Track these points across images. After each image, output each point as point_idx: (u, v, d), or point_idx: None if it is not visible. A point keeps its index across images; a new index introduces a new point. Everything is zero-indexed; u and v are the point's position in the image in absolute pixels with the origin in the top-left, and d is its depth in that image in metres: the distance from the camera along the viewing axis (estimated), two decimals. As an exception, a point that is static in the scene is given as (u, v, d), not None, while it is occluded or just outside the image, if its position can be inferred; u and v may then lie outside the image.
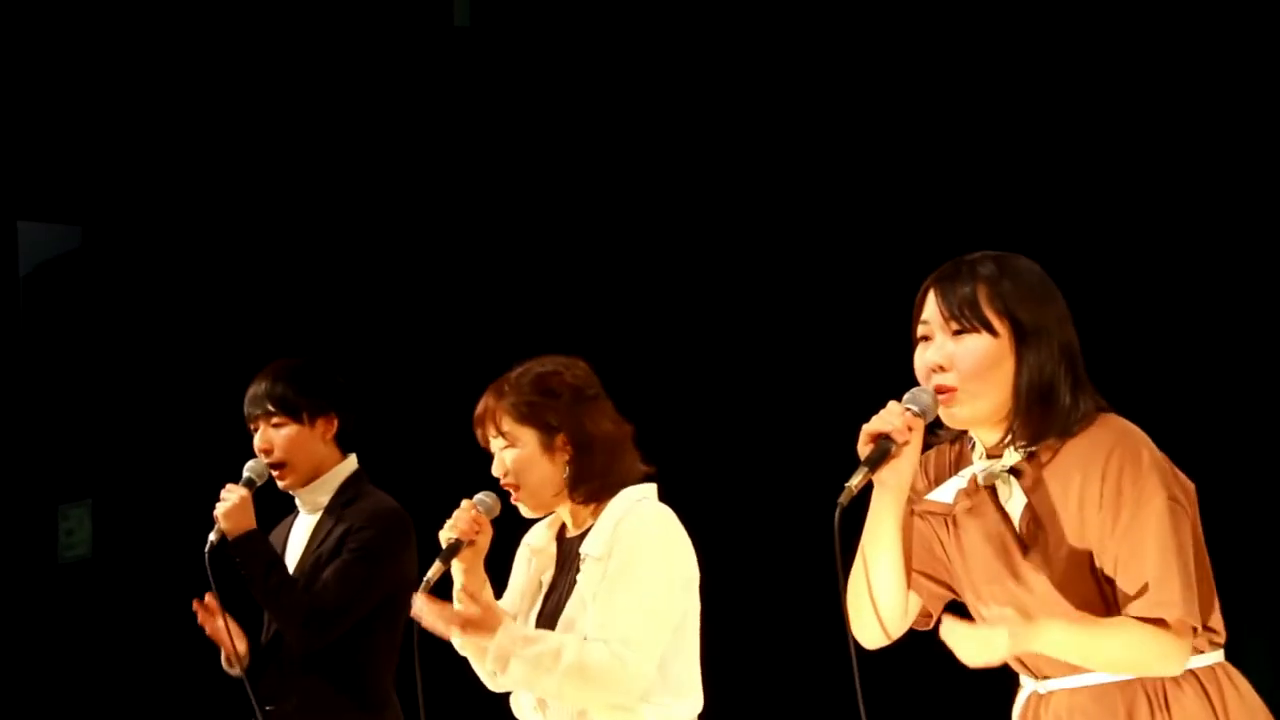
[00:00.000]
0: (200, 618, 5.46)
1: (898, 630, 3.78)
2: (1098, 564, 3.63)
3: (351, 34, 8.49)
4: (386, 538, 5.47)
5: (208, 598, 5.48)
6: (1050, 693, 3.70)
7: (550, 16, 8.86)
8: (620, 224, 8.69)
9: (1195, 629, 3.59)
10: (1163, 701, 3.61)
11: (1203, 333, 8.17)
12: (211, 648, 5.63)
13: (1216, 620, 3.64)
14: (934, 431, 3.79)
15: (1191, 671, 3.58)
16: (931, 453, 3.86)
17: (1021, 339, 3.66)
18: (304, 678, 5.49)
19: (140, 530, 7.85)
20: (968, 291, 3.67)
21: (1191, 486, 3.64)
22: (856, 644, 3.70)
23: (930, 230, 8.05)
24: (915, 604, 3.82)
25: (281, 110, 8.37)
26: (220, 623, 5.45)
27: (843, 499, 3.56)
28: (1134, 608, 3.58)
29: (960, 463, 3.79)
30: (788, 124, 8.78)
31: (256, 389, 5.62)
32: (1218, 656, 3.61)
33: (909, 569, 3.82)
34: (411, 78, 8.60)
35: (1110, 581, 3.63)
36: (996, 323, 3.64)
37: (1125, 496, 3.61)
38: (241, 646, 5.51)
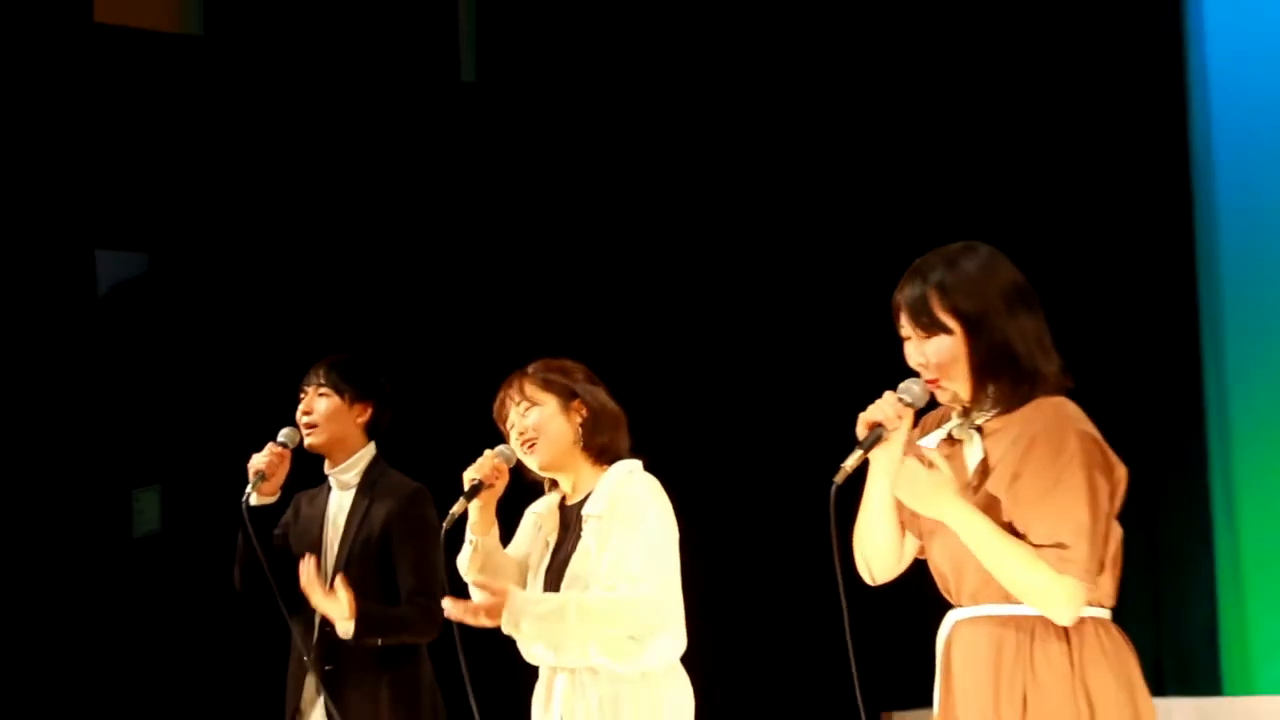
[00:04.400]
0: (303, 579, 5.39)
1: (900, 566, 3.89)
2: (1020, 520, 3.62)
3: (370, 90, 8.47)
4: (427, 514, 5.48)
5: (307, 561, 5.44)
6: (959, 621, 3.73)
7: (552, 72, 8.85)
8: (615, 246, 8.66)
9: (1087, 592, 3.59)
10: (1030, 643, 3.63)
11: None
12: (262, 608, 5.58)
13: (1107, 580, 3.64)
14: (933, 404, 3.84)
15: (1062, 627, 3.63)
16: (935, 411, 3.91)
17: (971, 330, 3.69)
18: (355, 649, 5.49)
19: (199, 509, 7.73)
20: (921, 299, 3.70)
21: (1124, 471, 3.67)
22: (846, 598, 3.72)
23: (912, 228, 8.02)
24: (911, 544, 3.87)
25: (313, 157, 8.30)
26: (318, 586, 5.40)
27: (838, 478, 3.63)
28: (1045, 557, 3.59)
29: (944, 419, 3.86)
30: (773, 143, 8.86)
31: (315, 366, 5.69)
32: (1098, 613, 3.62)
33: (902, 522, 3.85)
34: (422, 129, 8.57)
35: (1024, 535, 3.62)
36: (949, 321, 3.68)
37: (1053, 469, 3.61)
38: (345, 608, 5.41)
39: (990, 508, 3.69)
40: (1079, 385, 7.13)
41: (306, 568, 5.39)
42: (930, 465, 3.70)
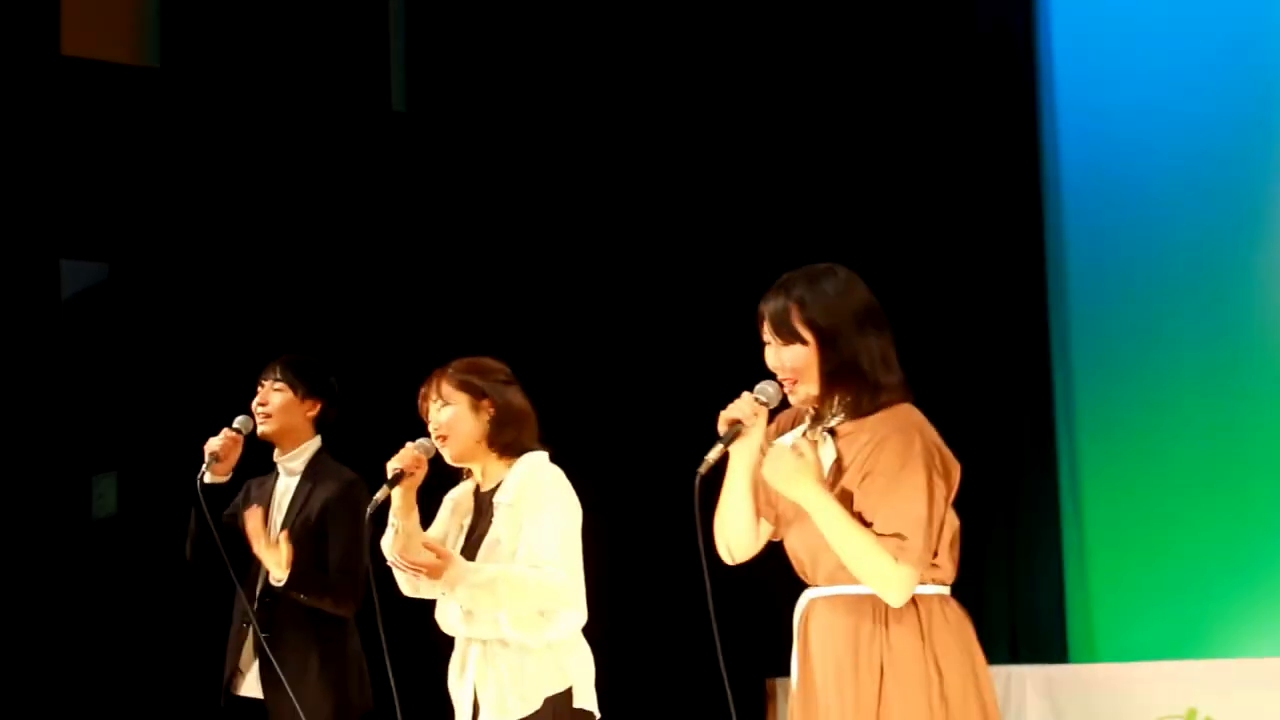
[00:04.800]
0: (248, 527, 5.48)
1: (755, 548, 4.00)
2: (867, 509, 3.77)
3: (308, 116, 8.55)
4: (360, 501, 5.45)
5: (254, 513, 5.54)
6: (815, 599, 3.88)
7: (480, 102, 8.95)
8: (528, 265, 8.82)
9: (918, 578, 3.76)
10: (884, 618, 3.78)
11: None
12: (209, 579, 5.67)
13: (947, 562, 3.83)
14: (786, 404, 3.95)
15: (913, 598, 3.77)
16: (788, 410, 4.02)
17: (823, 343, 3.82)
18: (290, 611, 5.51)
19: (154, 494, 7.79)
20: (782, 312, 3.84)
21: (958, 466, 3.84)
22: (710, 575, 3.82)
23: (775, 245, 8.35)
24: (765, 528, 3.99)
25: (256, 180, 8.38)
26: (262, 535, 5.49)
27: (702, 469, 3.78)
28: (886, 546, 3.74)
29: (797, 421, 3.98)
30: (660, 173, 9.05)
31: (273, 363, 5.78)
32: (940, 590, 3.82)
33: (758, 508, 3.96)
34: (353, 157, 8.65)
35: (870, 525, 3.78)
36: (805, 334, 3.82)
37: (896, 469, 3.77)
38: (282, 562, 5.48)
39: (844, 502, 3.82)
40: (946, 392, 7.21)
41: (254, 517, 5.50)
42: (799, 453, 3.80)
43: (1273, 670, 7.32)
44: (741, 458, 3.90)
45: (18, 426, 7.76)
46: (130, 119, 8.21)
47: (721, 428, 3.83)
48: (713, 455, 3.80)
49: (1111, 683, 7.77)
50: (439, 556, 4.67)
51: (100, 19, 8.40)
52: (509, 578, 4.76)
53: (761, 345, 3.92)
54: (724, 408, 3.87)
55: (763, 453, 3.95)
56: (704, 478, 3.78)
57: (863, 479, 3.79)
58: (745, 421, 3.82)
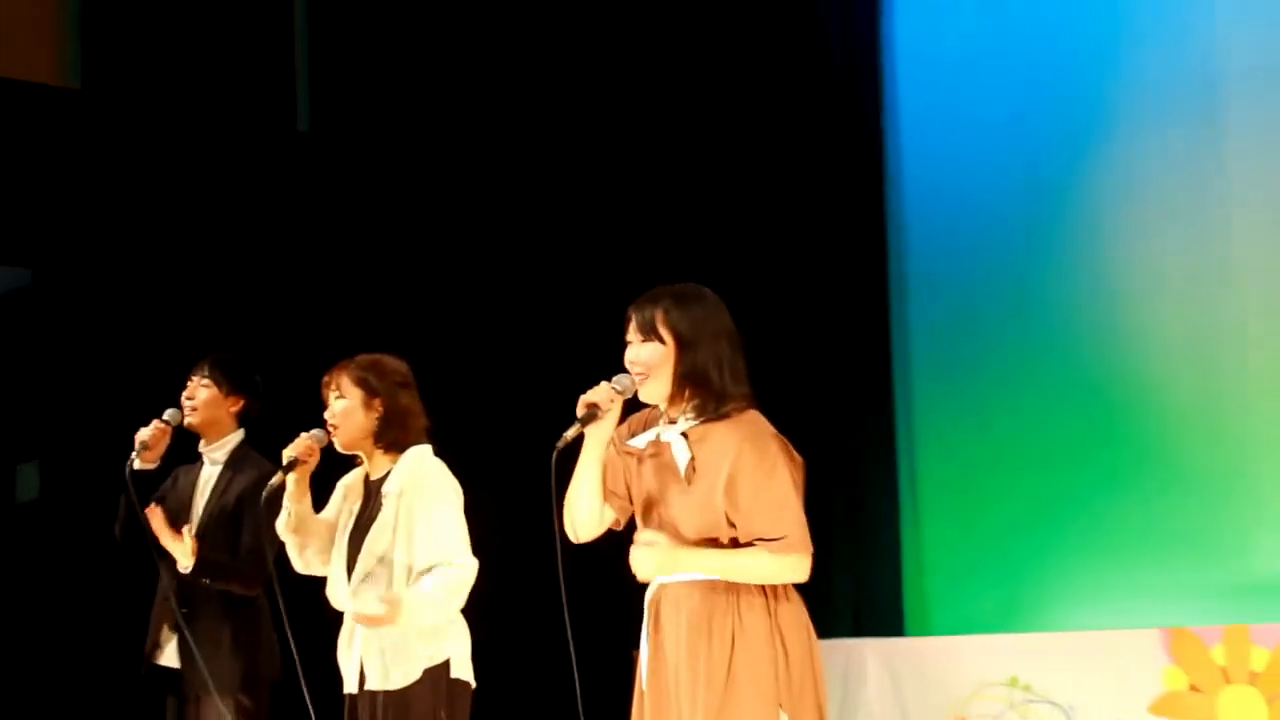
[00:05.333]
0: (152, 522, 5.56)
1: (598, 530, 4.15)
2: (734, 510, 3.91)
3: (212, 138, 8.55)
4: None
5: (155, 511, 5.60)
6: (665, 585, 4.02)
7: (382, 122, 9.04)
8: (420, 274, 8.89)
9: (809, 554, 3.93)
10: (736, 601, 3.93)
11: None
12: (134, 557, 5.77)
13: None
14: (642, 404, 4.09)
15: (760, 585, 3.93)
16: (638, 414, 4.15)
17: (680, 346, 3.97)
18: (205, 589, 5.62)
19: (75, 481, 7.88)
20: (650, 315, 4.00)
21: (802, 461, 4.01)
22: (564, 542, 4.07)
23: (634, 262, 8.20)
24: (609, 514, 4.14)
25: (170, 194, 8.38)
26: (167, 530, 5.56)
27: (559, 444, 3.96)
28: (770, 544, 3.90)
29: (650, 423, 4.12)
30: (541, 183, 9.08)
31: (202, 361, 5.88)
32: None
33: (606, 491, 4.10)
34: (258, 177, 8.63)
35: (732, 522, 3.93)
36: (666, 335, 3.97)
37: (759, 469, 3.92)
38: (188, 552, 5.55)
39: (708, 495, 3.95)
40: (796, 393, 7.41)
41: (155, 515, 5.57)
42: (647, 544, 3.94)
43: (1083, 642, 7.42)
44: (595, 439, 4.02)
45: None
46: (54, 136, 8.19)
47: (580, 410, 3.97)
48: (570, 433, 3.96)
49: (943, 653, 7.85)
50: (390, 603, 4.79)
51: (25, 42, 8.32)
52: (442, 594, 4.88)
53: (622, 345, 4.07)
54: (582, 392, 4.01)
55: (620, 438, 4.11)
56: (560, 454, 3.94)
57: (728, 481, 3.92)
58: (601, 405, 3.95)
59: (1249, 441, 7.35)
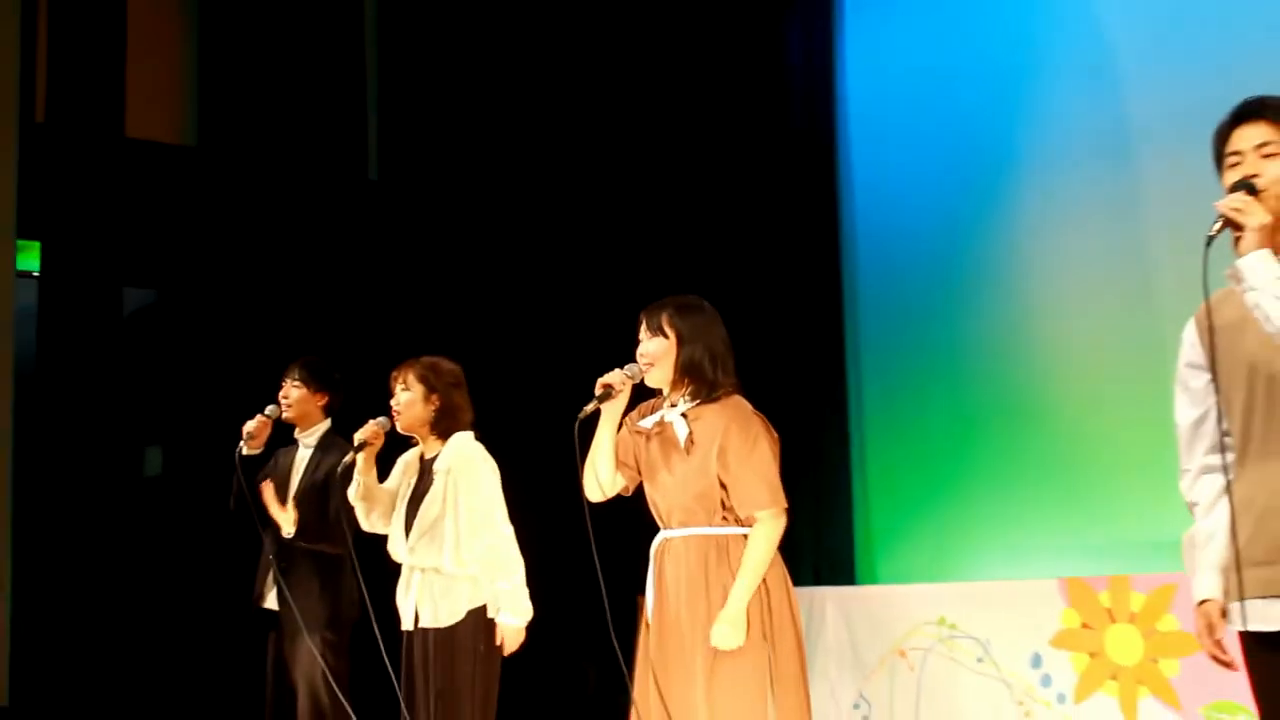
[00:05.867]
0: (264, 496, 5.64)
1: (611, 491, 4.16)
2: (725, 474, 3.94)
3: (299, 185, 8.47)
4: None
5: (267, 486, 5.67)
6: (668, 539, 4.05)
7: (445, 173, 8.97)
8: (467, 293, 8.88)
9: (784, 511, 3.99)
10: (727, 555, 3.97)
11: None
12: (241, 532, 5.80)
13: None
14: (651, 392, 4.12)
15: (746, 535, 3.97)
16: (646, 403, 4.18)
17: (681, 342, 4.04)
18: (300, 549, 5.67)
19: (191, 460, 7.92)
20: (657, 316, 4.08)
21: (778, 437, 4.07)
22: (589, 503, 4.04)
23: (631, 278, 8.42)
24: (620, 481, 4.16)
25: (266, 232, 8.35)
26: (275, 503, 5.64)
27: (580, 415, 3.97)
28: (753, 503, 3.95)
29: (656, 409, 4.14)
30: (572, 216, 9.18)
31: (292, 364, 5.85)
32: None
33: (618, 461, 4.13)
34: (335, 217, 8.57)
35: (724, 486, 3.96)
36: (670, 331, 4.05)
37: (745, 442, 3.96)
38: (289, 519, 5.60)
39: (704, 462, 3.96)
40: (771, 379, 7.15)
41: (268, 489, 5.63)
42: (721, 637, 3.84)
43: (997, 588, 7.46)
44: (609, 415, 4.08)
45: (91, 414, 7.76)
46: (175, 185, 8.23)
47: (597, 389, 4.02)
48: (589, 407, 3.99)
49: (886, 599, 7.87)
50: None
51: (154, 106, 8.23)
52: (515, 585, 4.86)
53: (625, 348, 4.11)
54: (600, 376, 4.08)
55: (633, 419, 4.13)
56: (581, 424, 3.94)
57: (719, 453, 3.94)
58: (615, 385, 4.01)
59: (1136, 426, 7.26)
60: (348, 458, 5.04)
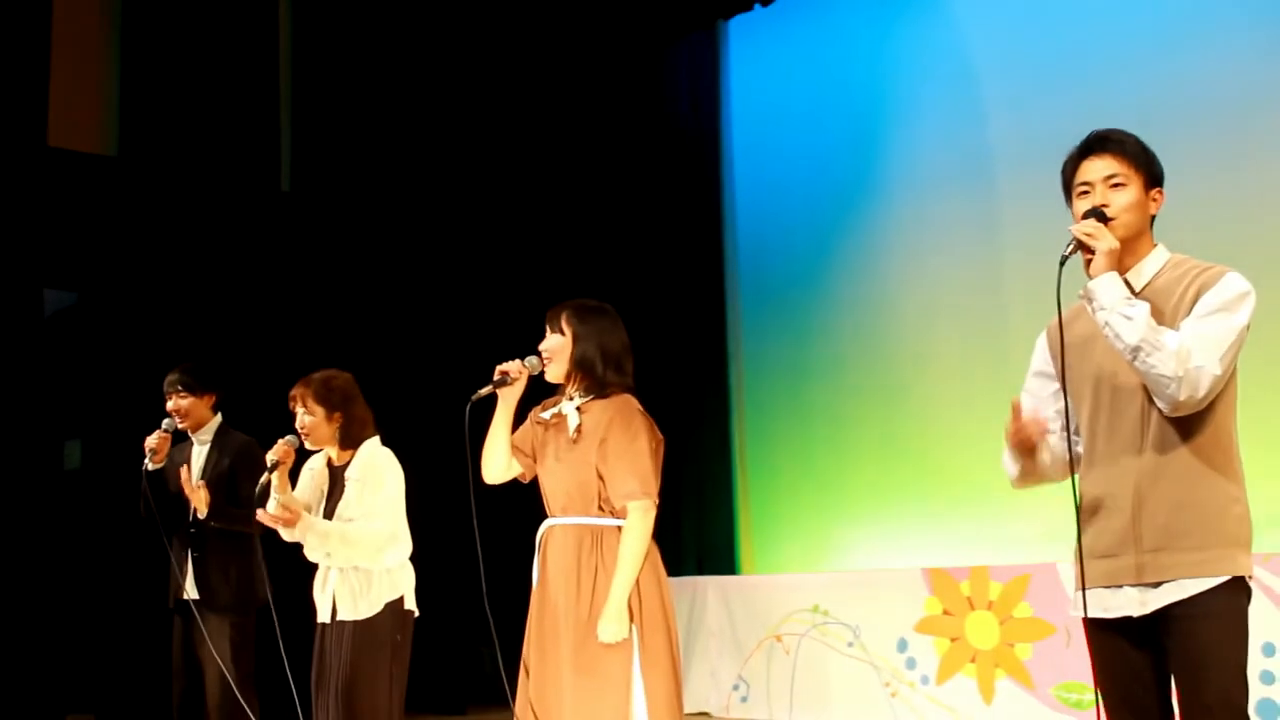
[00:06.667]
0: (182, 478, 5.45)
1: (505, 476, 4.15)
2: (602, 465, 3.93)
3: (212, 196, 8.43)
4: (257, 455, 5.51)
5: (185, 470, 5.49)
6: (552, 526, 4.01)
7: (354, 184, 8.98)
8: (371, 298, 8.90)
9: (654, 505, 3.93)
10: (600, 543, 3.93)
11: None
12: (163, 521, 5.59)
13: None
14: (552, 388, 4.07)
15: (617, 527, 3.93)
16: (550, 398, 4.12)
17: (576, 340, 4.01)
18: (213, 535, 5.55)
19: (107, 454, 7.88)
20: (560, 314, 4.03)
21: (662, 438, 4.04)
22: (479, 484, 4.02)
23: (533, 278, 8.71)
24: (516, 467, 4.16)
25: (175, 239, 8.27)
26: (189, 485, 5.46)
27: (473, 398, 3.95)
28: (624, 493, 3.91)
29: (556, 404, 4.09)
30: (491, 227, 9.26)
31: (171, 376, 5.73)
32: None
33: (513, 447, 4.12)
34: (246, 227, 8.49)
35: (601, 476, 3.93)
36: (567, 330, 4.01)
37: (624, 436, 3.94)
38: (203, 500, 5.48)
39: (586, 453, 3.94)
40: (659, 376, 7.24)
41: (185, 474, 5.45)
42: (608, 637, 3.80)
43: (866, 578, 7.51)
44: (506, 401, 4.07)
45: (13, 410, 7.69)
46: (95, 193, 8.20)
47: (495, 375, 4.02)
48: (484, 390, 3.98)
49: (764, 588, 7.89)
50: (292, 513, 4.71)
51: (76, 116, 8.18)
52: (343, 532, 4.77)
53: (522, 347, 4.12)
54: (499, 364, 4.05)
55: (535, 412, 4.11)
56: (475, 408, 3.90)
57: (600, 443, 3.94)
58: (511, 373, 4.01)
59: (994, 428, 6.35)
60: (264, 478, 4.92)
